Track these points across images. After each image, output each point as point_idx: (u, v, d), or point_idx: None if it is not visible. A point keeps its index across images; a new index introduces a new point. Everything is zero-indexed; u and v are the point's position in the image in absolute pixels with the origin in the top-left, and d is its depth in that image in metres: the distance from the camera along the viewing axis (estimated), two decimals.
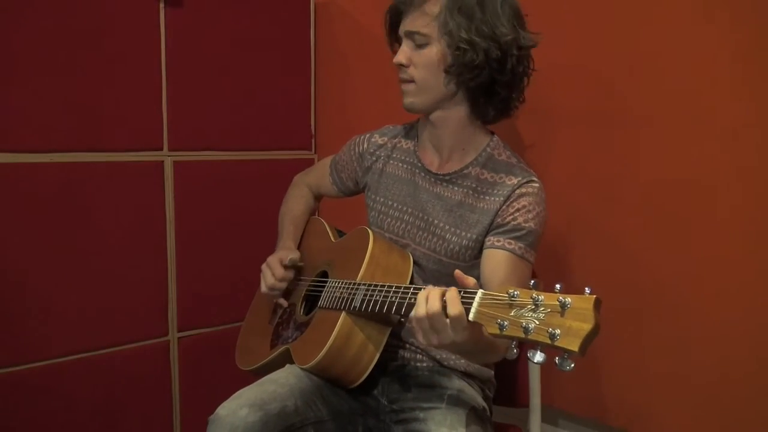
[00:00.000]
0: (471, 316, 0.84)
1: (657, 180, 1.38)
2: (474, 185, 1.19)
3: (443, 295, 0.89)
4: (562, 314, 0.73)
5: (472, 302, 0.85)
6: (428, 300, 0.90)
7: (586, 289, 0.75)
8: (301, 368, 1.16)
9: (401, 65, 1.17)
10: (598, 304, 0.73)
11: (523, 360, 1.33)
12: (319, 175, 1.48)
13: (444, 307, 0.88)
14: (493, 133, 1.25)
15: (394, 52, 1.21)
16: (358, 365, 1.12)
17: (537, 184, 1.17)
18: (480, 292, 0.85)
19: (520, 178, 1.16)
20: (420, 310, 0.90)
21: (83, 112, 1.58)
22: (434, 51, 1.14)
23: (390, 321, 1.13)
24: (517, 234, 1.13)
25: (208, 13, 1.76)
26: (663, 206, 1.38)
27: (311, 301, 1.29)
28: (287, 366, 1.21)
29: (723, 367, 1.31)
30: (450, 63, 1.13)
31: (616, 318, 1.47)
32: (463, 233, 1.17)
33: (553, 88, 1.54)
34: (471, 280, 0.91)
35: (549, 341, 0.73)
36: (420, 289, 0.96)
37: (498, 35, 1.10)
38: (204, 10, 1.75)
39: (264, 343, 1.33)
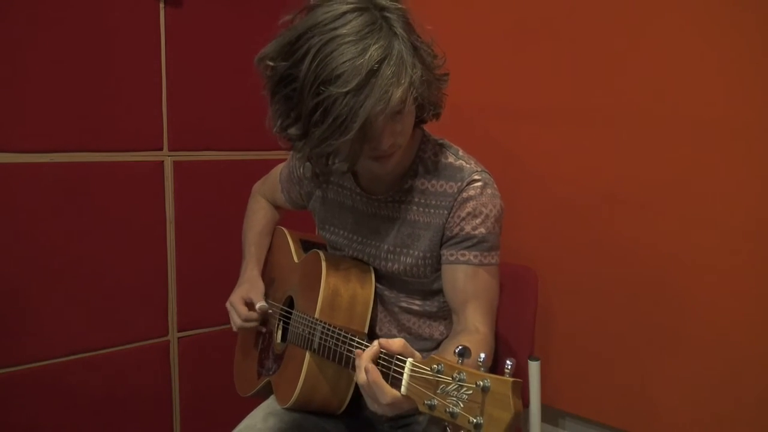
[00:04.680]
0: (403, 390, 0.81)
1: (659, 180, 1.38)
2: (417, 199, 1.10)
3: (372, 357, 0.84)
4: (482, 399, 0.72)
5: (402, 373, 0.82)
6: (366, 371, 0.84)
7: (508, 362, 0.72)
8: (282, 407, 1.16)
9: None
10: (516, 387, 0.71)
11: (522, 360, 1.33)
12: (272, 188, 1.37)
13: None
14: (421, 128, 1.13)
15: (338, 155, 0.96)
16: (336, 396, 1.11)
17: (479, 182, 1.06)
18: (409, 363, 0.82)
19: (460, 183, 1.06)
20: (361, 375, 0.85)
21: (83, 112, 1.58)
22: (411, 107, 0.97)
23: None
24: (469, 244, 1.05)
25: (208, 13, 1.76)
26: (665, 205, 1.38)
27: (285, 328, 1.25)
28: (269, 400, 1.21)
29: (724, 367, 1.31)
30: (420, 108, 1.01)
31: (617, 318, 1.47)
32: (414, 252, 1.10)
33: (552, 89, 1.55)
34: (397, 344, 0.84)
35: (473, 430, 0.71)
36: (363, 342, 0.92)
37: (433, 53, 1.00)
38: (204, 10, 1.75)
39: (252, 370, 1.32)
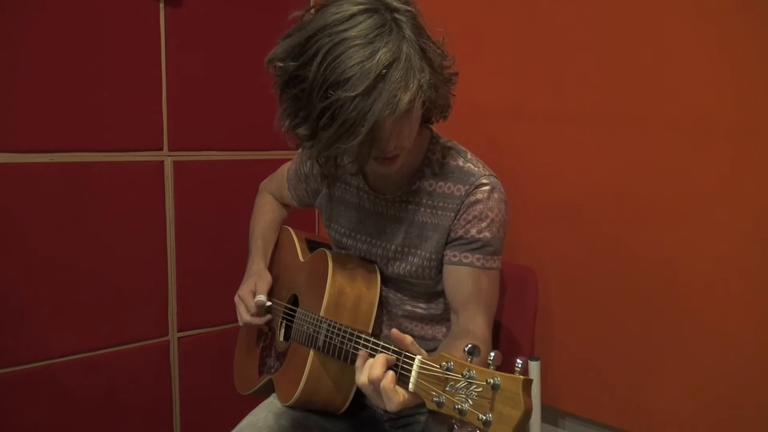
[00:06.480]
0: (411, 387, 0.82)
1: (660, 180, 1.38)
2: (425, 200, 1.10)
3: (386, 364, 0.84)
4: (492, 396, 0.72)
5: (410, 370, 0.82)
6: (371, 368, 0.84)
7: (518, 361, 0.72)
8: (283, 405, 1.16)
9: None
10: (527, 385, 0.71)
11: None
12: (279, 185, 1.38)
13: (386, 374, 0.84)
14: (430, 129, 1.14)
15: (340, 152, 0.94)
16: (339, 395, 1.11)
17: (487, 186, 1.07)
18: (417, 360, 0.82)
19: (468, 186, 1.07)
20: (362, 378, 0.85)
21: (83, 112, 1.58)
22: (418, 110, 0.96)
23: None
24: (473, 246, 1.06)
25: (208, 13, 1.76)
26: (665, 206, 1.38)
27: (288, 327, 1.24)
28: (271, 398, 1.21)
29: (724, 367, 1.32)
30: (427, 110, 1.02)
31: (617, 318, 1.47)
32: (421, 252, 1.11)
33: (553, 89, 1.55)
34: (407, 339, 0.84)
35: (482, 427, 0.72)
36: (369, 340, 0.92)
37: (443, 54, 0.99)
38: (204, 10, 1.75)
39: (253, 368, 1.32)
